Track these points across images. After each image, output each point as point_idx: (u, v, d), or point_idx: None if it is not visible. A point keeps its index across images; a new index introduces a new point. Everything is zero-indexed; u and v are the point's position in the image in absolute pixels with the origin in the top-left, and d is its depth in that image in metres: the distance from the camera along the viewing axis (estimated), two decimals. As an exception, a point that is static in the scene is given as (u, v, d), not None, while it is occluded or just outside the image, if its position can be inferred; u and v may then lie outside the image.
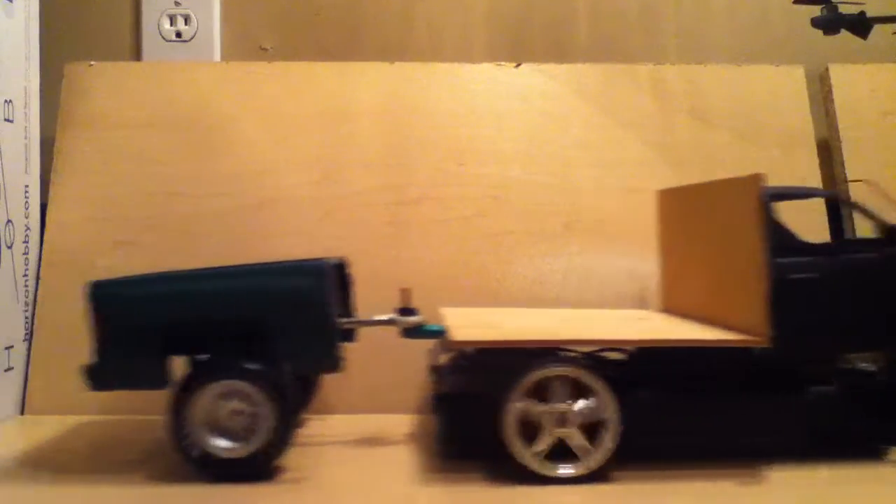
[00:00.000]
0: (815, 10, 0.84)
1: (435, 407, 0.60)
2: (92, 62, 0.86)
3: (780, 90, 0.88)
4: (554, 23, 0.96)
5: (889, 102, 0.88)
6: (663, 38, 0.96)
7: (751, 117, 0.86)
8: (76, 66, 0.86)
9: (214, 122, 0.84)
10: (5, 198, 0.74)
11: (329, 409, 0.73)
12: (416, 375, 0.72)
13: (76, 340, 0.77)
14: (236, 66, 0.88)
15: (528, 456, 0.55)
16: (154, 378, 0.56)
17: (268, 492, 0.55)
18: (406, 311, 0.64)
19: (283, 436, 0.55)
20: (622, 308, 0.77)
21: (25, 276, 0.77)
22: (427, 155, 0.84)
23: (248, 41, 0.96)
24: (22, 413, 0.76)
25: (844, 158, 0.87)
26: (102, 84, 0.85)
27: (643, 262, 0.81)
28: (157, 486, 0.55)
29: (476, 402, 0.58)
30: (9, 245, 0.75)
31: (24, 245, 0.77)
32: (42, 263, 0.80)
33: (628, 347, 0.61)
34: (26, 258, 0.78)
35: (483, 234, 0.82)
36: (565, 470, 0.55)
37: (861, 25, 0.83)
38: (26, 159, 0.78)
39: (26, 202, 0.78)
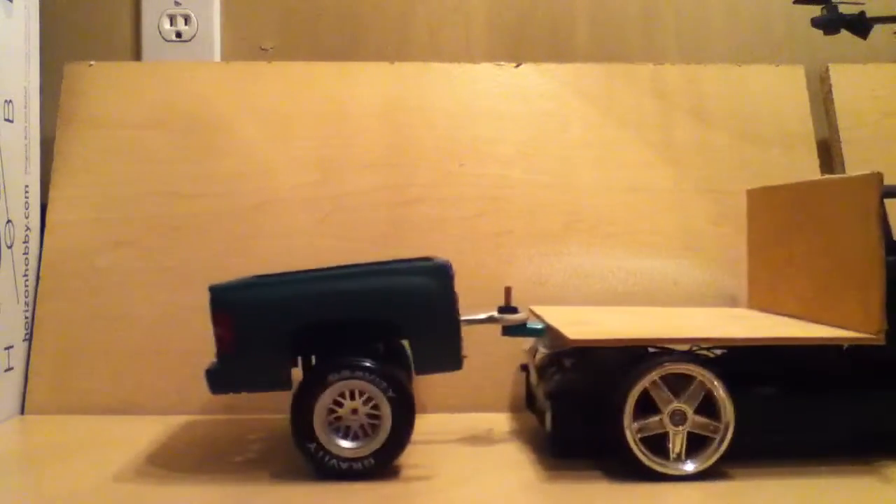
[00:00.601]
0: (815, 10, 0.84)
1: (548, 404, 0.60)
2: (92, 62, 0.86)
3: (780, 90, 0.88)
4: (554, 23, 0.96)
5: (889, 102, 0.88)
6: (663, 38, 0.96)
7: (751, 117, 0.86)
8: (76, 66, 0.86)
9: (214, 122, 0.84)
10: (5, 198, 0.74)
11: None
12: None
13: (76, 340, 0.78)
14: (236, 66, 0.88)
15: (645, 453, 0.55)
16: (278, 379, 0.57)
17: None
18: (507, 309, 0.65)
19: (403, 434, 0.56)
20: (624, 306, 0.77)
21: (25, 276, 0.77)
22: (427, 155, 0.84)
23: (248, 41, 0.96)
24: (22, 413, 0.76)
25: (844, 158, 0.87)
26: (102, 84, 0.85)
27: (644, 262, 0.81)
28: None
29: (591, 399, 0.58)
30: (9, 245, 0.75)
31: (24, 245, 0.77)
32: (42, 263, 0.80)
33: (732, 345, 0.61)
34: (26, 258, 0.78)
35: (483, 234, 0.82)
36: (682, 467, 0.56)
37: (861, 25, 0.82)
38: (26, 159, 0.78)
39: (26, 202, 0.78)
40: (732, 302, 0.79)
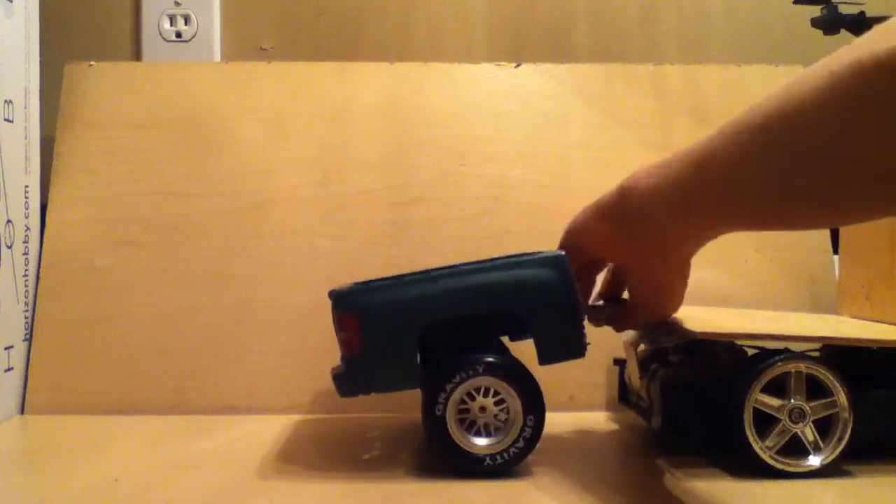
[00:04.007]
0: (815, 11, 0.84)
1: (659, 399, 0.61)
2: (92, 62, 0.86)
3: (779, 90, 0.88)
4: (554, 23, 0.96)
5: (889, 102, 0.88)
6: (663, 38, 0.96)
7: (751, 117, 0.86)
8: (76, 66, 0.86)
9: (214, 122, 0.84)
10: (5, 198, 0.74)
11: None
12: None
13: (76, 340, 0.78)
14: (236, 66, 0.88)
15: (764, 449, 0.56)
16: (409, 378, 0.56)
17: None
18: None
19: (535, 430, 0.56)
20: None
21: (25, 276, 0.77)
22: (427, 155, 0.84)
23: (248, 41, 0.96)
24: (22, 413, 0.76)
25: (844, 158, 0.87)
26: (102, 84, 0.85)
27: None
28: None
29: (704, 394, 0.59)
30: (9, 245, 0.75)
31: (24, 245, 0.77)
32: (42, 263, 0.80)
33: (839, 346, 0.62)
34: (26, 258, 0.78)
35: (483, 234, 0.82)
36: (801, 463, 0.56)
37: (861, 25, 0.82)
38: (26, 159, 0.78)
39: (26, 202, 0.78)
40: (731, 302, 0.79)
